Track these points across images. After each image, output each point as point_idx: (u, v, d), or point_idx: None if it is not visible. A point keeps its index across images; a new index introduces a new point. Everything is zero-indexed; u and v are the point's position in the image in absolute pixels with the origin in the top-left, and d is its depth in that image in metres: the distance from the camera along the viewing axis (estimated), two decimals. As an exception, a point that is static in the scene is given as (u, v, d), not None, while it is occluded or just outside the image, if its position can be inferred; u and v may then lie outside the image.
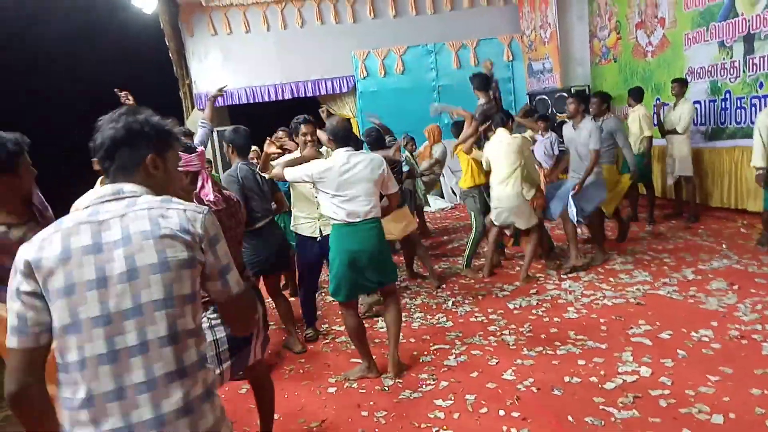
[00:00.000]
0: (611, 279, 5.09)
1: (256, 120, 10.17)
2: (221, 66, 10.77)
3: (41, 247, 1.35)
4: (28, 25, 7.09)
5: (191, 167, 2.56)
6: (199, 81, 10.83)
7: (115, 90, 4.18)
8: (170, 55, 10.55)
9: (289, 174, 3.60)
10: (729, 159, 6.92)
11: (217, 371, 2.36)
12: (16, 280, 1.35)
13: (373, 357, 3.75)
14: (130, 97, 4.13)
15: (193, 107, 10.88)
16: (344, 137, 3.54)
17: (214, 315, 2.43)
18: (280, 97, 10.85)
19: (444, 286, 5.47)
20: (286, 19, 10.75)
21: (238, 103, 10.77)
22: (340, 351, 4.23)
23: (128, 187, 1.45)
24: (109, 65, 8.36)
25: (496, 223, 5.42)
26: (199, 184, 2.60)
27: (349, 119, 6.30)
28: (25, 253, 1.36)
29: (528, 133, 6.24)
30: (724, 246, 5.75)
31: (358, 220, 3.45)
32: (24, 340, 1.34)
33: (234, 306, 1.53)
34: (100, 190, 1.46)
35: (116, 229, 1.36)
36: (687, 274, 5.01)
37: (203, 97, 10.65)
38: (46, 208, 2.61)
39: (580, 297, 4.75)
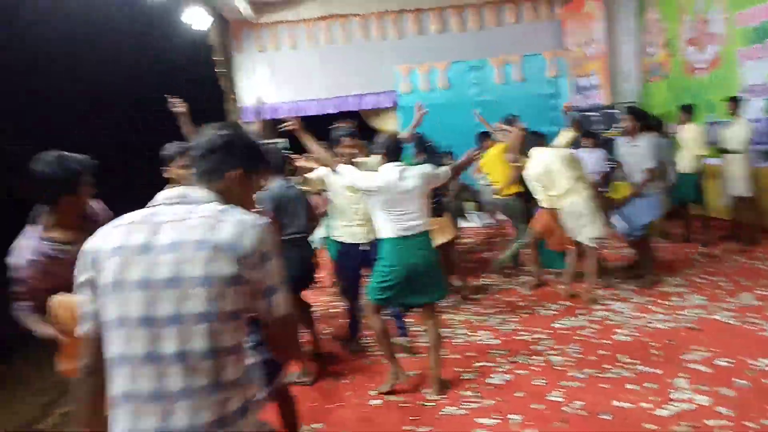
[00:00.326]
0: (663, 302, 4.91)
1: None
2: (268, 81, 11.00)
3: (102, 240, 1.41)
4: (88, 36, 7.42)
5: None
6: (245, 95, 11.08)
7: (168, 97, 4.29)
8: (217, 69, 10.82)
9: (343, 179, 3.66)
10: (788, 179, 6.64)
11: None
12: (78, 271, 1.42)
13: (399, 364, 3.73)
14: (180, 106, 4.23)
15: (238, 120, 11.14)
16: (395, 151, 3.55)
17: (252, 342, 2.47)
18: (323, 112, 10.98)
19: (477, 297, 5.39)
20: (331, 35, 10.92)
21: (282, 116, 10.95)
22: (382, 363, 4.19)
23: (197, 193, 1.47)
24: (159, 76, 8.65)
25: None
26: None
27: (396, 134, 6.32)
28: (88, 244, 1.42)
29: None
30: (783, 270, 5.49)
31: (410, 233, 3.46)
32: (88, 328, 1.42)
33: (278, 329, 1.48)
34: (168, 191, 1.49)
35: (169, 233, 1.36)
36: (744, 299, 4.79)
37: (248, 110, 10.88)
38: (101, 217, 2.67)
39: (630, 319, 4.59)
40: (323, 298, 5.93)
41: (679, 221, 7.03)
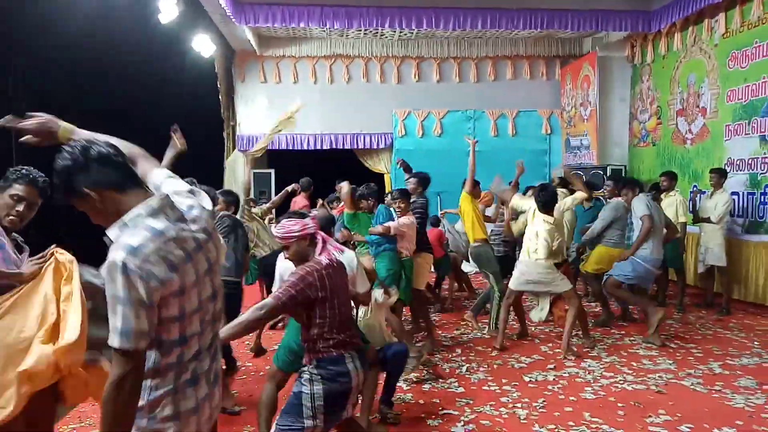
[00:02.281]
0: (633, 363, 4.91)
1: (294, 166, 10.44)
2: (266, 112, 11.15)
3: None
4: (96, 52, 7.54)
5: (307, 230, 2.71)
6: (243, 124, 11.22)
7: (173, 127, 4.37)
8: (219, 96, 10.99)
9: None
10: (766, 254, 6.75)
11: (310, 423, 2.51)
12: None
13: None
14: (177, 133, 4.29)
15: (234, 147, 11.23)
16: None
17: (316, 371, 2.56)
18: (318, 147, 11.11)
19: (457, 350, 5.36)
20: (333, 73, 11.15)
21: (278, 148, 11.07)
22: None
23: None
24: (162, 100, 8.76)
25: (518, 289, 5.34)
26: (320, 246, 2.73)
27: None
28: None
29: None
30: (756, 343, 5.52)
31: None
32: None
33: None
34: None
35: None
36: (714, 367, 4.81)
37: (244, 139, 11.00)
38: None
39: (599, 378, 4.58)
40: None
41: (656, 284, 7.09)
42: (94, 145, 1.57)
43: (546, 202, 5.13)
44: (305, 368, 2.60)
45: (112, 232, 1.53)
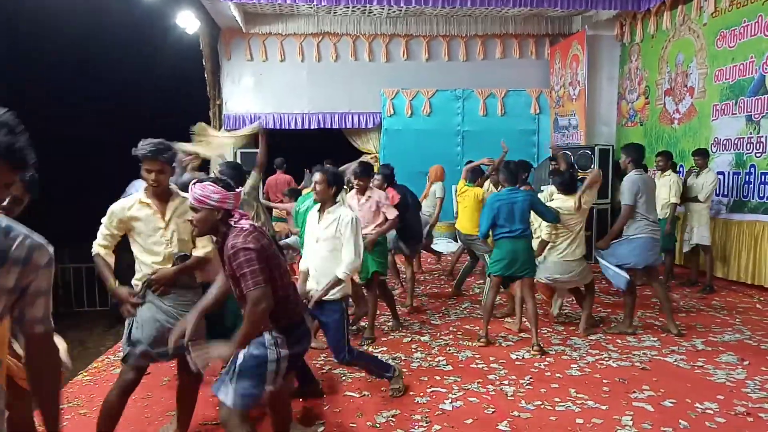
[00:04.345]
0: (618, 341, 4.98)
1: (282, 146, 10.36)
2: (253, 90, 11.02)
3: None
4: (77, 33, 7.40)
5: (226, 205, 2.53)
6: (229, 103, 11.07)
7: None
8: (205, 75, 10.82)
9: None
10: (749, 232, 6.84)
11: (270, 387, 2.56)
12: None
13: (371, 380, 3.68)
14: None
15: (220, 127, 11.09)
16: None
17: (282, 334, 2.57)
18: (306, 127, 11.03)
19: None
20: (321, 51, 11.01)
21: (265, 127, 10.96)
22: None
23: None
24: (146, 76, 8.64)
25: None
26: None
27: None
28: None
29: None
30: (738, 320, 5.62)
31: None
32: None
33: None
34: None
35: None
36: (697, 344, 4.89)
37: (231, 118, 10.88)
38: None
39: (584, 355, 4.65)
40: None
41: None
42: None
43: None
44: (264, 332, 2.56)
45: None
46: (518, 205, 4.80)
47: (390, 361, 4.18)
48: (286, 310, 2.59)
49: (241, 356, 2.53)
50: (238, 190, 2.60)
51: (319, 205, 3.81)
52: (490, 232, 4.93)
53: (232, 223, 2.53)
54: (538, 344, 4.71)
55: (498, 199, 4.89)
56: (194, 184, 2.54)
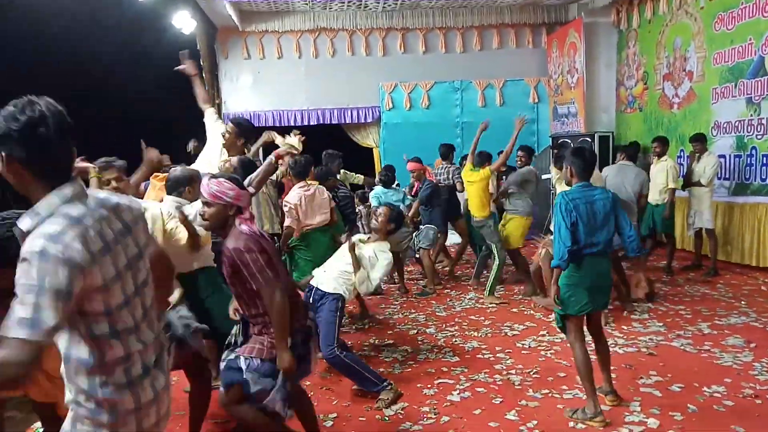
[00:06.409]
0: (624, 327, 4.99)
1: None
2: (251, 88, 11.02)
3: None
4: (73, 32, 7.39)
5: (240, 202, 2.58)
6: (229, 101, 11.08)
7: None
8: (203, 74, 10.81)
9: None
10: (753, 215, 6.83)
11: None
12: None
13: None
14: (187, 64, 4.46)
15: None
16: None
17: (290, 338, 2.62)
18: (305, 123, 11.00)
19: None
20: (317, 47, 10.99)
21: (264, 124, 10.96)
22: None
23: None
24: (143, 76, 8.62)
25: None
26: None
27: None
28: None
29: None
30: (743, 302, 5.62)
31: None
32: None
33: None
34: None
35: None
36: (703, 327, 4.90)
37: (230, 116, 10.86)
38: None
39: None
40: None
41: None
42: (37, 106, 1.44)
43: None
44: (264, 336, 2.62)
45: (23, 223, 1.43)
46: (599, 205, 3.34)
47: (396, 354, 4.21)
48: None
49: (243, 363, 2.61)
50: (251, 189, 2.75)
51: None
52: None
53: (237, 223, 2.56)
54: (612, 390, 3.56)
55: (572, 198, 3.32)
56: (210, 179, 2.58)
